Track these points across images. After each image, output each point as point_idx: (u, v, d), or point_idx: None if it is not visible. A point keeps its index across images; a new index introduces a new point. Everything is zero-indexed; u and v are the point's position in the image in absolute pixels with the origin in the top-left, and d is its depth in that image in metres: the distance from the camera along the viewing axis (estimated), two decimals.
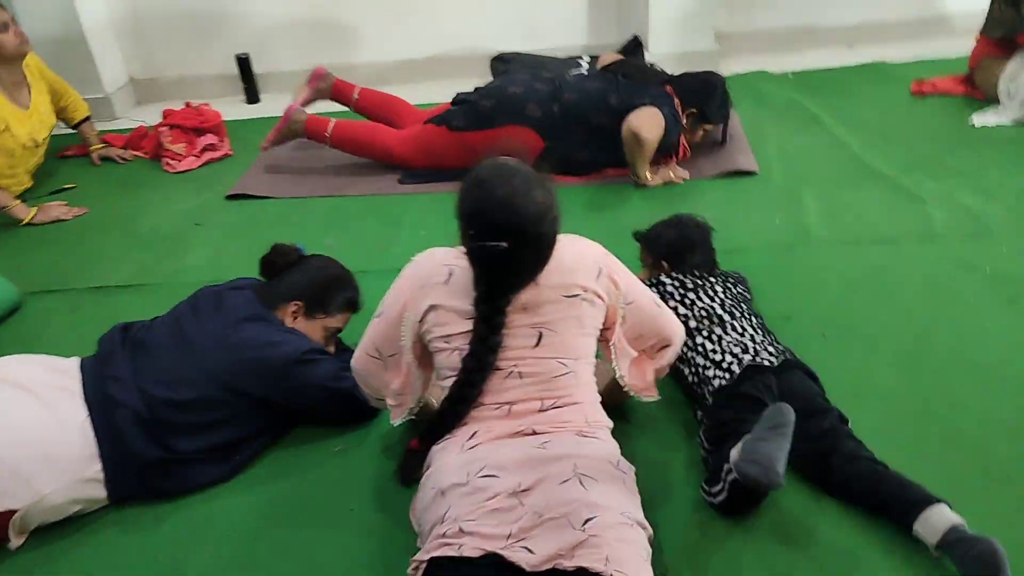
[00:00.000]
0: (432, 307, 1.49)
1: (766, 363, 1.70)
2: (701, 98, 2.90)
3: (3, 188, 3.02)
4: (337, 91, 3.29)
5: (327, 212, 2.89)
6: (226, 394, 1.72)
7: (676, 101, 2.86)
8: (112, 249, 2.74)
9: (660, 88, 2.88)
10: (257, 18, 4.00)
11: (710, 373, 1.76)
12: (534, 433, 1.45)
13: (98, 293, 2.49)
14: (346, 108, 3.30)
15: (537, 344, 1.48)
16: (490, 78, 3.82)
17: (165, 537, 1.63)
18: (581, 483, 1.37)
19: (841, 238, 2.45)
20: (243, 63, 3.96)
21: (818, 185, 2.75)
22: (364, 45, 4.08)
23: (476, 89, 3.04)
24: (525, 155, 2.73)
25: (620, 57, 3.23)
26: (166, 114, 3.46)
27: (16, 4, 3.65)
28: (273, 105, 3.88)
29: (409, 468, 1.62)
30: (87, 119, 3.45)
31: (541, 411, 1.47)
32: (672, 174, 2.86)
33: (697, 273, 2.00)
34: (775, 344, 1.80)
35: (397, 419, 1.62)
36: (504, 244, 1.40)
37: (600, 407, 1.56)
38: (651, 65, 3.08)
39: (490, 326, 1.45)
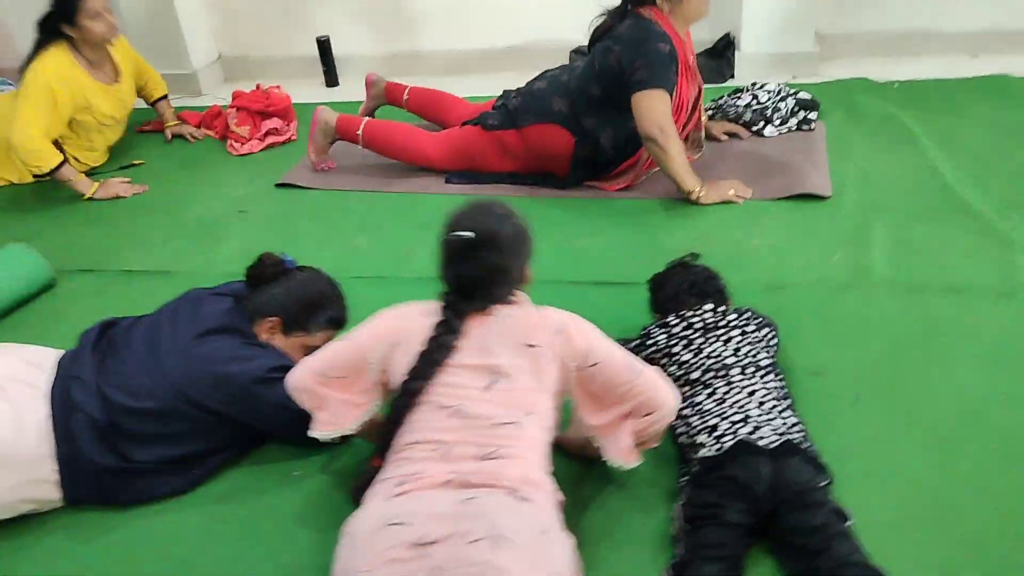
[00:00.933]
0: (403, 359, 1.48)
1: (762, 442, 1.49)
2: None
3: (76, 160, 3.14)
4: (389, 94, 3.23)
5: (366, 208, 2.82)
6: (187, 406, 1.67)
7: (643, 12, 2.53)
8: (155, 232, 2.78)
9: (624, 18, 2.56)
10: (339, 1, 3.97)
11: (700, 439, 1.57)
12: (466, 485, 1.34)
13: (128, 277, 2.52)
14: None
15: (488, 387, 1.42)
16: None
17: (110, 548, 1.61)
18: (495, 545, 1.24)
19: (905, 282, 2.15)
20: (323, 46, 3.95)
21: (895, 216, 2.44)
22: (445, 32, 3.98)
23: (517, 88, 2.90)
24: (558, 160, 2.63)
25: None
26: (235, 95, 3.48)
27: None
28: (352, 89, 3.86)
29: (363, 488, 1.53)
30: (164, 96, 3.53)
31: (479, 459, 1.37)
32: (731, 191, 2.62)
33: (712, 314, 1.79)
34: (785, 416, 1.58)
35: (324, 433, 1.55)
36: (471, 234, 1.48)
37: (544, 467, 1.43)
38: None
39: (448, 326, 1.47)
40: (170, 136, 3.51)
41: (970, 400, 1.75)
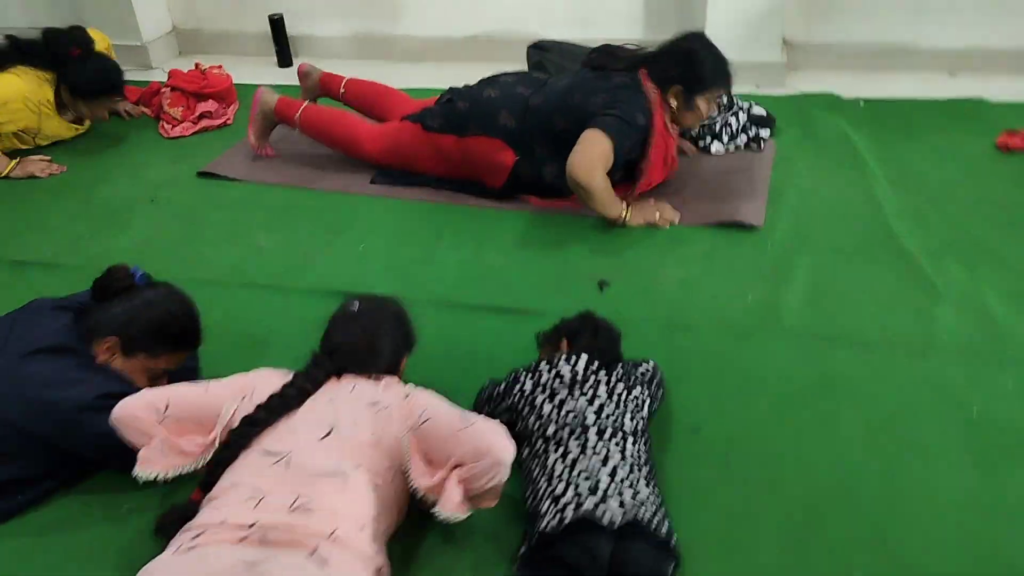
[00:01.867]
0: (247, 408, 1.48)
1: (605, 518, 1.36)
2: (683, 70, 2.41)
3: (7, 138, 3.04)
4: (324, 86, 3.08)
5: (282, 205, 2.70)
6: (8, 429, 1.57)
7: (648, 87, 2.41)
8: (56, 217, 2.67)
9: (628, 75, 2.44)
10: None
11: (543, 507, 1.44)
12: (263, 542, 1.25)
13: (15, 268, 2.41)
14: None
15: (323, 438, 1.40)
16: (525, 66, 3.50)
17: None
18: None
19: (813, 331, 2.00)
20: (276, 24, 3.79)
21: (821, 254, 2.28)
22: (404, 16, 3.81)
23: (466, 86, 2.74)
24: (494, 173, 2.56)
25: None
26: (171, 75, 3.35)
27: None
28: None
29: (167, 523, 1.42)
30: None
31: (288, 510, 1.29)
32: (657, 215, 2.47)
33: (585, 367, 1.66)
34: (638, 489, 1.44)
35: (145, 473, 1.46)
36: (356, 306, 1.63)
37: (367, 527, 1.34)
38: (629, 46, 2.61)
39: (299, 382, 1.49)
40: (106, 113, 3.39)
41: (845, 471, 1.62)
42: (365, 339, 1.58)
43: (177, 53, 4.08)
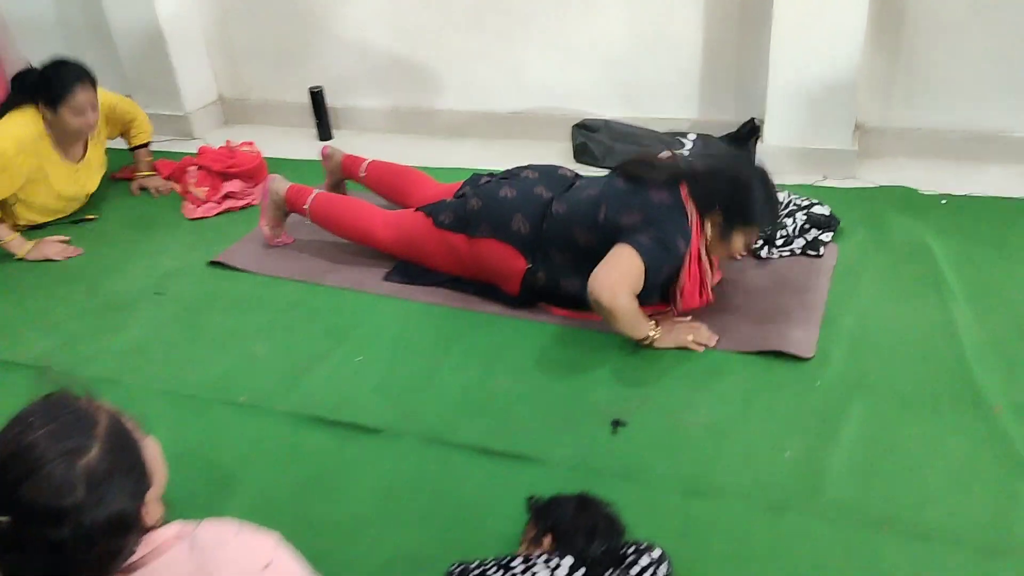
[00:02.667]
0: None
1: None
2: (729, 198, 2.12)
3: (27, 214, 2.97)
4: (346, 169, 2.94)
5: (288, 303, 2.52)
6: None
7: (689, 209, 2.13)
8: (58, 311, 2.55)
9: (667, 191, 2.15)
10: (338, 49, 3.69)
11: None
12: None
13: (2, 370, 2.29)
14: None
15: None
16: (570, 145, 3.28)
17: None
18: None
19: (861, 509, 1.66)
20: (316, 96, 3.67)
21: (880, 401, 1.93)
22: (446, 90, 3.64)
23: (488, 178, 2.52)
24: (507, 280, 2.36)
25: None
26: (200, 152, 3.26)
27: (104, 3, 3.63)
28: (347, 143, 3.59)
29: None
30: (145, 144, 3.34)
31: None
32: (691, 337, 2.17)
33: (573, 572, 1.37)
34: None
35: None
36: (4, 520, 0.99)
37: None
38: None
39: None
40: (136, 189, 3.32)
41: None
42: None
43: (223, 122, 4.02)
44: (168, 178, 3.33)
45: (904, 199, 2.81)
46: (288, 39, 3.75)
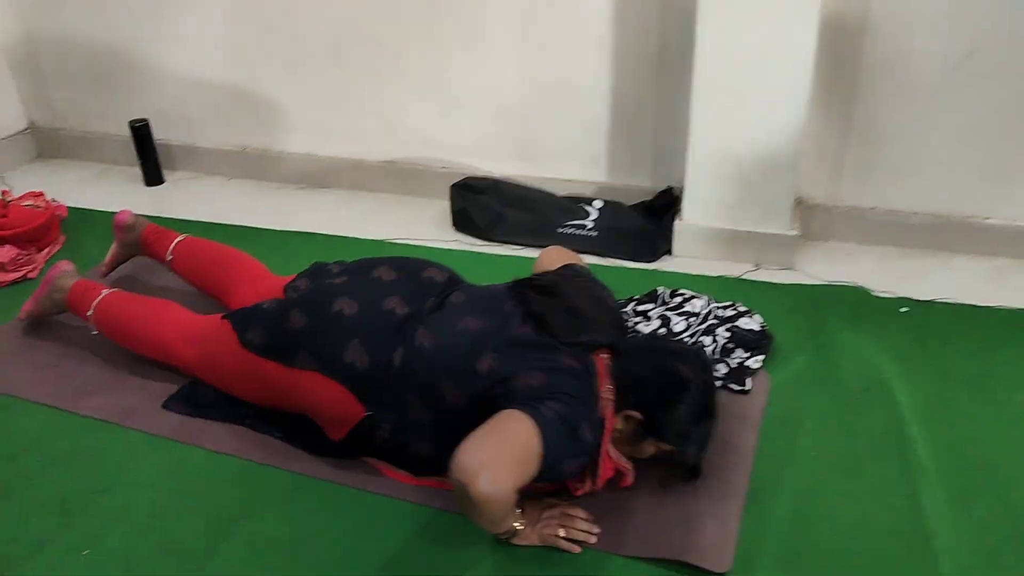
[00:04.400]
0: None
1: None
2: (652, 401, 1.54)
3: None
4: (148, 247, 2.25)
5: (23, 444, 1.81)
6: None
7: (605, 390, 1.52)
8: None
9: (581, 357, 1.55)
10: (170, 76, 2.97)
11: None
12: None
13: None
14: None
15: None
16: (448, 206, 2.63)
17: None
18: None
19: None
20: (139, 131, 2.93)
21: None
22: (300, 131, 2.95)
23: (331, 267, 1.86)
24: (332, 425, 1.72)
25: (570, 261, 1.88)
26: None
27: None
28: (180, 188, 2.90)
29: None
30: None
31: None
32: (561, 532, 1.52)
33: None
34: None
35: None
36: None
37: None
38: (607, 302, 1.74)
39: None
40: None
41: None
42: None
43: (34, 156, 3.25)
44: None
45: (855, 304, 2.22)
46: (106, 62, 3.01)
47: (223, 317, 1.83)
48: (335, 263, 1.89)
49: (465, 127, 2.74)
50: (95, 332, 2.00)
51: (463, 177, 2.68)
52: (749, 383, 1.90)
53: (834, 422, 1.81)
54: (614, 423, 1.53)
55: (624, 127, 2.59)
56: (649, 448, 1.58)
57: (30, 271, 2.43)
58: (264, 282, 2.02)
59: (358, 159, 2.89)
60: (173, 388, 1.93)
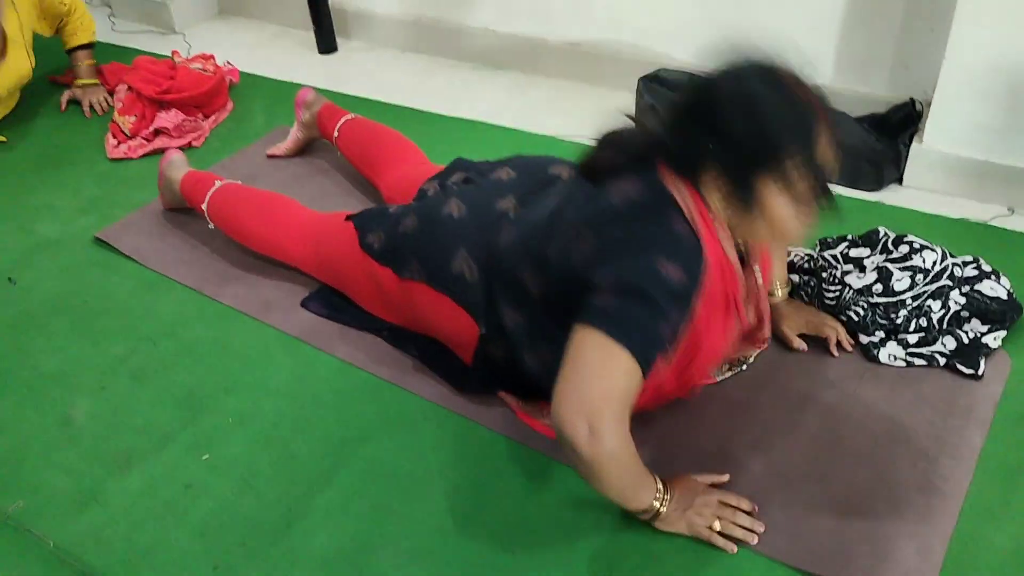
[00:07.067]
0: None
1: None
2: (710, 134, 1.15)
3: None
4: (322, 126, 2.13)
5: (163, 326, 1.77)
6: None
7: (679, 194, 1.19)
8: None
9: (634, 179, 1.21)
10: None
11: None
12: None
13: None
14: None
15: None
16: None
17: None
18: None
19: None
20: None
21: None
22: (482, 4, 2.64)
23: (466, 164, 1.72)
24: (456, 345, 1.57)
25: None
26: (135, 65, 2.46)
27: None
28: (351, 59, 2.76)
29: None
30: (86, 46, 2.57)
31: None
32: (717, 524, 1.26)
33: None
34: None
35: None
36: None
37: None
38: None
39: None
40: (64, 104, 2.57)
41: None
42: None
43: (215, 12, 3.18)
44: (112, 90, 2.56)
45: None
46: None
47: (347, 218, 1.66)
48: (478, 162, 1.70)
49: (666, 7, 2.34)
50: (212, 227, 1.90)
51: (655, 69, 2.31)
52: (983, 366, 1.50)
53: None
54: (710, 209, 1.20)
55: (860, 18, 2.10)
56: (772, 199, 1.15)
57: (195, 138, 2.36)
58: (418, 168, 1.86)
59: (540, 38, 2.58)
60: (315, 285, 1.81)
